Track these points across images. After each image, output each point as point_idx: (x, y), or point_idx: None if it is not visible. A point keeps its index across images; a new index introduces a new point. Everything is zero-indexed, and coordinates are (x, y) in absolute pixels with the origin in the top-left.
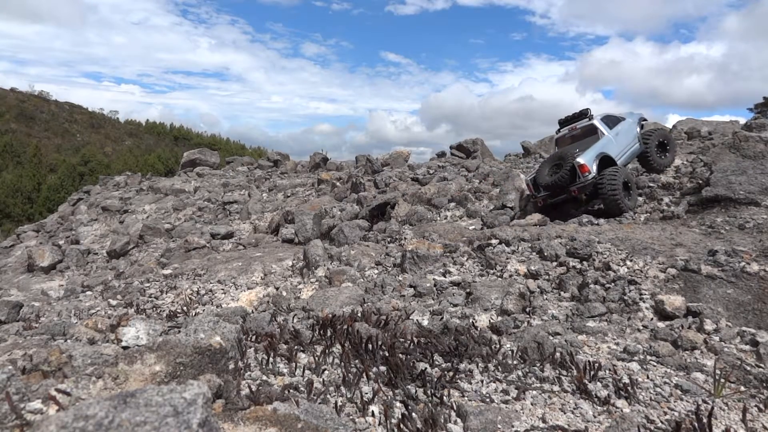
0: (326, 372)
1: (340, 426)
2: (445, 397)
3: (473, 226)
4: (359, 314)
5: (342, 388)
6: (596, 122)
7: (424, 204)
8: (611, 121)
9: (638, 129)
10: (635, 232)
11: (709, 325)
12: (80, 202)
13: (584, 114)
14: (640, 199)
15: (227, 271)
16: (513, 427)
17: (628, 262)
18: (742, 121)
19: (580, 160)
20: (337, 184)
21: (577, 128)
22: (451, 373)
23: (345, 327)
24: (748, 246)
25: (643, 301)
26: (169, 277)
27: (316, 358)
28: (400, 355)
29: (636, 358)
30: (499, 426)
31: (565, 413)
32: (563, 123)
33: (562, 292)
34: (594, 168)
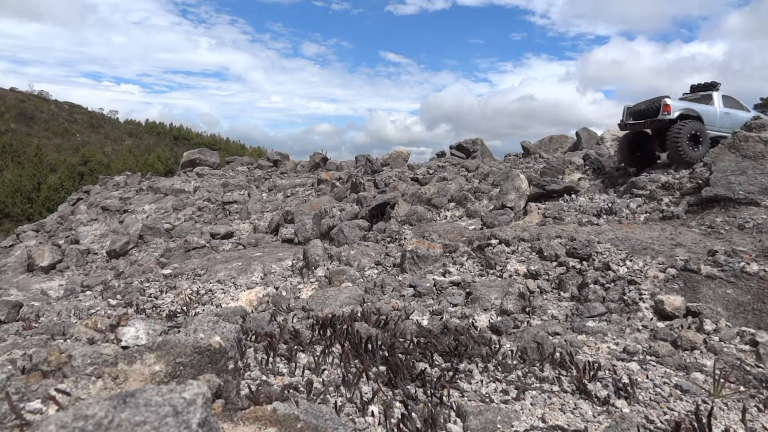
0: (326, 372)
1: (339, 426)
2: (444, 397)
3: (473, 226)
4: (359, 314)
5: (342, 388)
6: (715, 94)
7: (423, 204)
8: (731, 102)
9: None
10: (635, 232)
11: (708, 325)
12: (80, 202)
13: (713, 85)
14: (639, 199)
15: (227, 271)
16: (513, 427)
17: (627, 262)
18: None
19: (668, 100)
20: (337, 184)
21: (700, 94)
22: (450, 373)
23: (345, 327)
24: (747, 246)
25: (643, 301)
26: (169, 277)
27: (316, 358)
28: (400, 355)
29: (636, 358)
30: (498, 426)
31: (564, 413)
32: (693, 88)
33: (561, 292)
34: (676, 113)
